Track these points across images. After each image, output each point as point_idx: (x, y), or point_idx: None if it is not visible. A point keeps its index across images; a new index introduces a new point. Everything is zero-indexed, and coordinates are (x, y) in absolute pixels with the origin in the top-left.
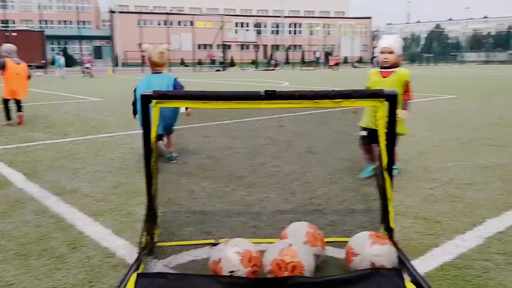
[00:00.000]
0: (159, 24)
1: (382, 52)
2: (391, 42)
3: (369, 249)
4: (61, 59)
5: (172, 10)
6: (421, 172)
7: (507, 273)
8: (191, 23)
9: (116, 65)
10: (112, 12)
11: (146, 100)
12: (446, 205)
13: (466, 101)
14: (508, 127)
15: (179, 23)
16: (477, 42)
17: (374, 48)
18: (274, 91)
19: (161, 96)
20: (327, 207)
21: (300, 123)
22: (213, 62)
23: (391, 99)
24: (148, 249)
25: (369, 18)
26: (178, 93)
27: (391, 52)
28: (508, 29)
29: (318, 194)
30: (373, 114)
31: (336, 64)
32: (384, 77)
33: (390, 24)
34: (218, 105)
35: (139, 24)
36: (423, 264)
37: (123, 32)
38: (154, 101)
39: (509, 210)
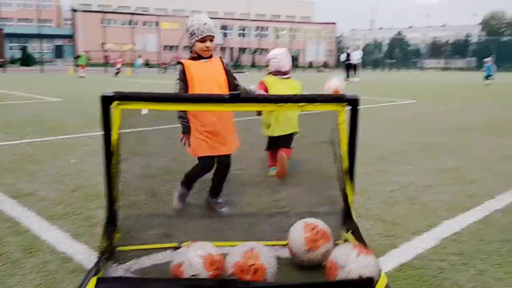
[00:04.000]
0: (123, 24)
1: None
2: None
3: (355, 261)
4: None
5: (137, 10)
6: (381, 175)
7: (461, 273)
8: (157, 23)
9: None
10: (74, 10)
11: (106, 101)
12: (405, 207)
13: (425, 106)
14: (464, 131)
15: (144, 23)
16: (437, 50)
17: (340, 53)
18: (238, 94)
19: (123, 97)
20: (290, 209)
21: None
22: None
23: (353, 104)
24: (108, 253)
25: (333, 23)
26: (140, 95)
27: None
28: (465, 37)
29: (282, 197)
30: (288, 120)
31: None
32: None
33: (354, 30)
34: (181, 107)
35: (102, 23)
36: (382, 265)
37: (86, 31)
38: (115, 102)
39: (464, 212)
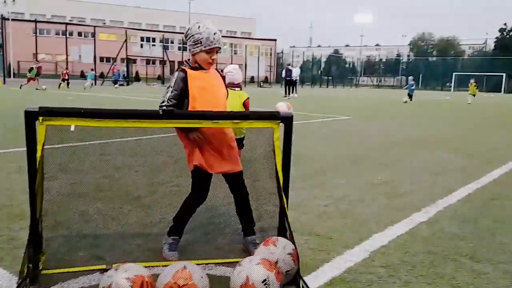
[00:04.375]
0: (57, 34)
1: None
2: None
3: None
4: None
5: (72, 20)
6: (317, 190)
7: (389, 285)
8: (93, 34)
9: (8, 75)
10: (4, 19)
11: (31, 117)
12: (338, 221)
13: (359, 122)
14: (394, 146)
15: (80, 34)
16: (370, 67)
17: (281, 69)
18: (172, 110)
19: (49, 112)
20: (226, 226)
21: None
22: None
23: (287, 121)
24: (31, 278)
25: (274, 40)
26: (68, 110)
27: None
28: (396, 56)
29: (218, 213)
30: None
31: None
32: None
33: (293, 47)
34: (112, 123)
35: (34, 33)
36: (314, 280)
37: (17, 41)
38: (40, 118)
39: (392, 224)
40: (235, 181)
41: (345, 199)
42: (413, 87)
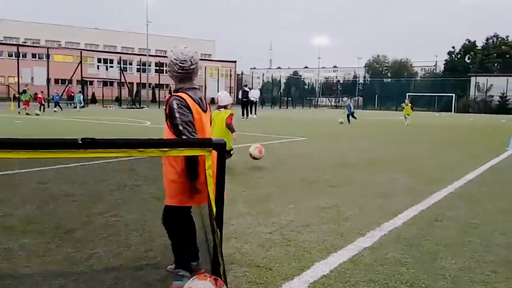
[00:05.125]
0: (10, 56)
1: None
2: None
3: None
4: None
5: (26, 42)
6: (263, 216)
7: None
8: (48, 56)
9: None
10: None
11: None
12: (281, 250)
13: (314, 143)
14: (346, 168)
15: (34, 55)
16: (329, 89)
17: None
18: (93, 139)
19: None
20: (161, 260)
21: (154, 165)
22: (71, 98)
23: (219, 148)
24: None
25: (234, 62)
26: None
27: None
28: (353, 78)
29: (155, 246)
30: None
31: None
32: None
33: (254, 68)
34: (26, 154)
35: None
36: None
37: None
38: None
39: (336, 251)
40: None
41: (290, 225)
42: (351, 108)
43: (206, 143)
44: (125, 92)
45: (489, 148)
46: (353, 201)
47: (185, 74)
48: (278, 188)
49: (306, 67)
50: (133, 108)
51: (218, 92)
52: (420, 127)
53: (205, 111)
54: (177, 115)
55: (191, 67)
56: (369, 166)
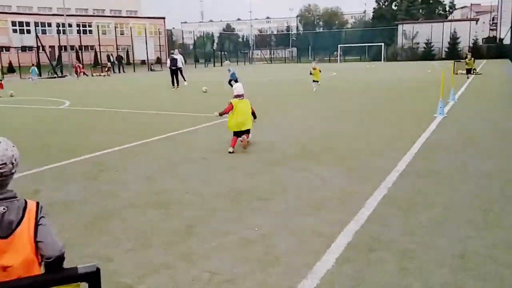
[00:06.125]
0: None
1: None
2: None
3: None
4: None
5: None
6: (182, 267)
7: None
8: None
9: None
10: None
11: None
12: None
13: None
14: (276, 164)
15: None
16: (263, 41)
17: (169, 57)
18: None
19: None
20: None
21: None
22: None
23: (91, 279)
24: None
25: (162, 18)
26: None
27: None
28: (286, 30)
29: None
30: (243, 122)
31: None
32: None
33: (185, 22)
34: None
35: None
36: None
37: None
38: None
39: None
40: None
41: (212, 281)
42: (235, 74)
43: (72, 277)
44: (45, 58)
45: (418, 117)
46: (284, 223)
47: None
48: (203, 211)
49: (239, 19)
50: (55, 77)
51: (147, 52)
52: (344, 92)
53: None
54: None
55: (12, 171)
56: (298, 159)
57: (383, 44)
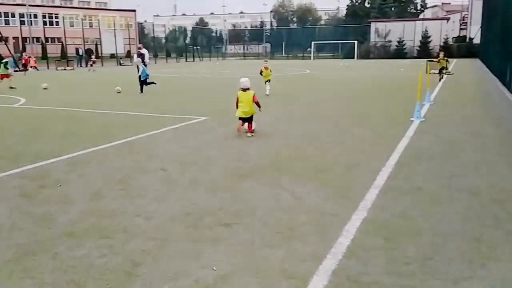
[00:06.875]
0: None
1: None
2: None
3: None
4: None
5: None
6: None
7: None
8: None
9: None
10: None
11: None
12: None
13: (217, 128)
14: (245, 179)
15: None
16: (237, 36)
17: (135, 53)
18: None
19: None
20: None
21: None
22: None
23: None
24: None
25: (133, 10)
26: None
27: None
28: (260, 25)
29: None
30: (247, 111)
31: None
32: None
33: (157, 15)
34: None
35: None
36: None
37: None
38: None
39: None
40: None
41: None
42: (145, 71)
43: None
44: (6, 51)
45: (394, 120)
46: (249, 258)
47: None
48: (152, 242)
49: (212, 13)
50: (17, 71)
51: (116, 45)
52: (319, 91)
53: None
54: None
55: None
56: (269, 171)
57: (356, 41)
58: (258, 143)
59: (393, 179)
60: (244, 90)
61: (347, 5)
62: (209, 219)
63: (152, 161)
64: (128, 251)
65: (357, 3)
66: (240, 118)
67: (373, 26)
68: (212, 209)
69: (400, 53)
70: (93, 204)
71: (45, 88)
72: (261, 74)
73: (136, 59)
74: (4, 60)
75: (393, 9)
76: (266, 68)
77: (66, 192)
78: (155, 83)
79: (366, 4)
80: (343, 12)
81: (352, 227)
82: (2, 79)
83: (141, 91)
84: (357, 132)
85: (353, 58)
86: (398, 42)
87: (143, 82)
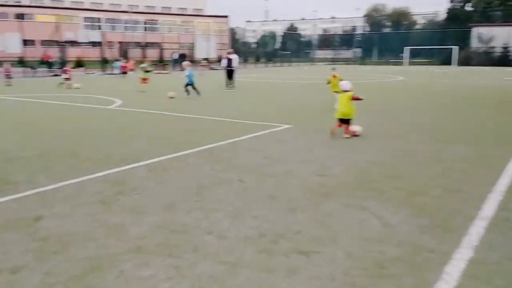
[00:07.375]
0: None
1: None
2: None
3: None
4: None
5: (7, 1)
6: None
7: None
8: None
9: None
10: None
11: None
12: None
13: (298, 139)
14: (324, 201)
15: (18, 16)
16: (326, 41)
17: (225, 58)
18: None
19: None
20: None
21: None
22: (50, 64)
23: None
24: None
25: (226, 16)
26: None
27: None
28: (352, 30)
29: None
30: (345, 113)
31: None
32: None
33: (249, 21)
34: None
35: None
36: None
37: None
38: None
39: None
40: None
41: None
42: (190, 75)
43: None
44: (114, 53)
45: (501, 140)
46: None
47: None
48: (221, 266)
49: (303, 19)
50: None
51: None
52: (413, 100)
53: None
54: None
55: None
56: (354, 191)
57: (457, 47)
58: (344, 156)
59: (503, 210)
60: (345, 91)
61: (448, 9)
62: (285, 244)
63: (230, 170)
64: (196, 275)
65: (458, 7)
66: (338, 119)
67: (475, 30)
68: (289, 232)
69: (504, 60)
70: (166, 216)
71: (171, 97)
72: (328, 83)
73: (186, 67)
74: (142, 65)
75: (498, 12)
76: (335, 77)
77: (142, 201)
78: (198, 93)
79: (469, 8)
80: (441, 16)
81: (454, 270)
82: (145, 82)
83: (198, 93)
84: (458, 150)
85: (450, 64)
86: (503, 48)
87: (191, 86)
